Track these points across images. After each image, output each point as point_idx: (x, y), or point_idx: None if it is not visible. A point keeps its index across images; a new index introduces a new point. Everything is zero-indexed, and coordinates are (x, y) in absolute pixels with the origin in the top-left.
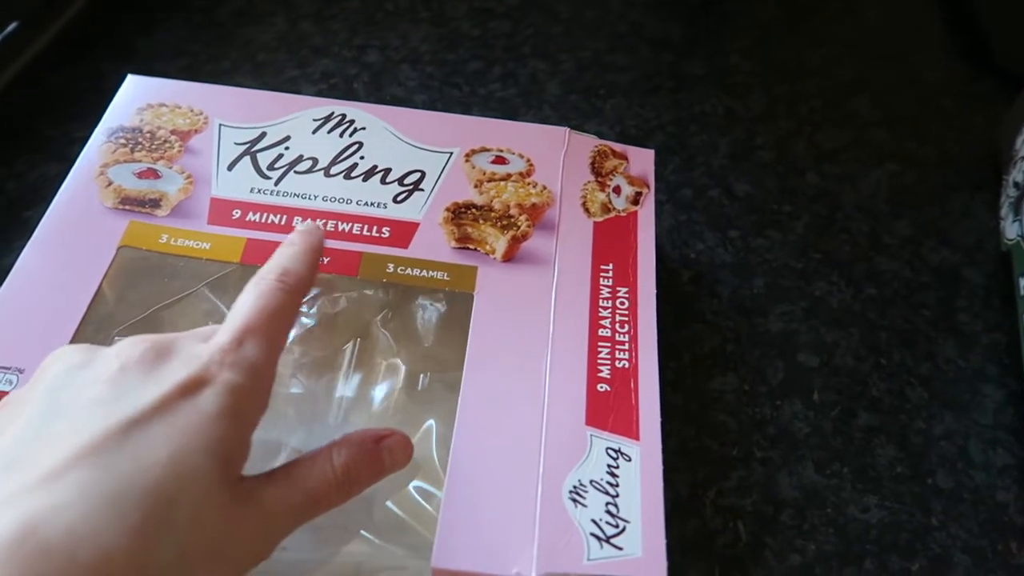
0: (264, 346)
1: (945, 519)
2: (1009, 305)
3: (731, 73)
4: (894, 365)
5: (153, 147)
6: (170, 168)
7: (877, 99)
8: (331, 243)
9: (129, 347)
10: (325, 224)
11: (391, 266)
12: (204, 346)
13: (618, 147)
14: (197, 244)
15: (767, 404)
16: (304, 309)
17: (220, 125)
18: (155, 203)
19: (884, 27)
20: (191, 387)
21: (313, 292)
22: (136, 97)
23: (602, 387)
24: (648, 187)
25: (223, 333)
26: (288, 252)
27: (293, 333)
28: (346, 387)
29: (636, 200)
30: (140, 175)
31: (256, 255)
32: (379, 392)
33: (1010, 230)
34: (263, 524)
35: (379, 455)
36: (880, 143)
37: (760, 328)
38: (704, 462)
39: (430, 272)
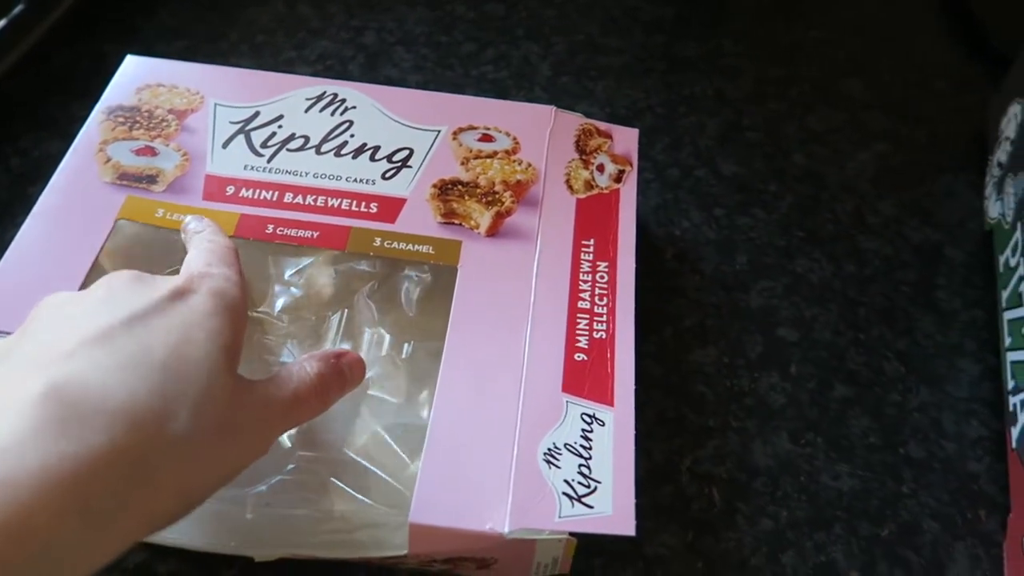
0: (229, 268)
1: (916, 487)
2: (989, 283)
3: (723, 55)
4: (872, 340)
5: (151, 125)
6: (167, 146)
7: (869, 81)
8: (320, 218)
9: (110, 277)
10: (315, 200)
11: (378, 240)
12: (179, 274)
13: (603, 126)
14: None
15: (745, 376)
16: (294, 280)
17: (216, 104)
18: (152, 179)
19: (878, 9)
20: (179, 293)
21: (302, 263)
22: (135, 77)
23: (579, 356)
24: (631, 165)
25: (187, 267)
26: (202, 235)
27: (282, 302)
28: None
29: (619, 178)
30: (138, 152)
31: (249, 230)
32: (365, 360)
33: (993, 209)
34: (261, 414)
35: (341, 368)
36: (870, 124)
37: (741, 303)
38: (681, 431)
39: (416, 246)
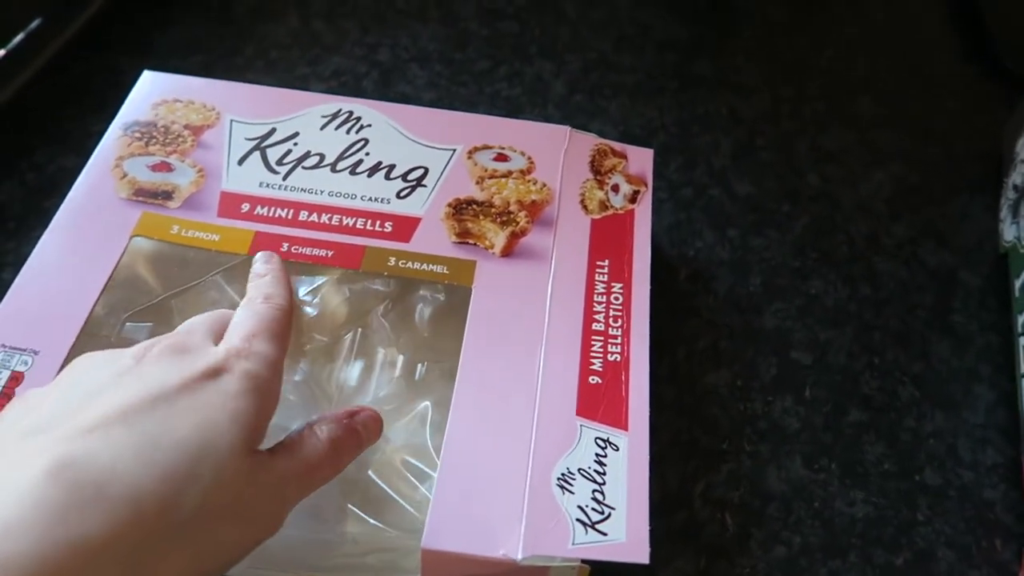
0: (271, 343)
1: (931, 515)
2: (1005, 307)
3: (736, 74)
4: (887, 364)
5: (167, 141)
6: (182, 162)
7: (881, 100)
8: (335, 236)
9: (144, 347)
10: (330, 218)
11: (393, 259)
12: (219, 347)
13: (617, 146)
14: (207, 236)
15: (759, 400)
16: (308, 299)
17: (232, 121)
18: (167, 195)
19: (891, 27)
20: (211, 374)
21: (317, 282)
22: (152, 92)
23: (593, 379)
24: (646, 186)
25: (231, 337)
26: (262, 281)
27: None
28: (346, 375)
29: (634, 199)
30: (154, 168)
31: (264, 247)
32: (378, 380)
33: (1008, 232)
34: (275, 492)
35: (355, 428)
36: (883, 144)
37: (755, 325)
38: (694, 455)
39: (430, 266)
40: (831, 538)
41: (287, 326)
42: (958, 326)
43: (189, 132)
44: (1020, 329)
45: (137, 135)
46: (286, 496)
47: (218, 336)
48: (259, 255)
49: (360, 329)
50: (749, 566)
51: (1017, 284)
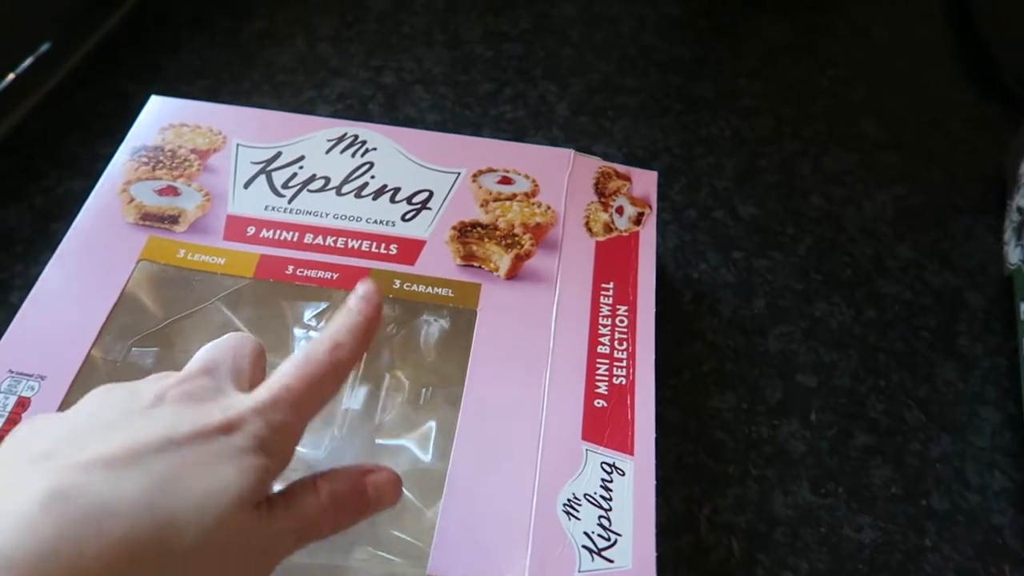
0: (296, 414)
1: (939, 541)
2: (1010, 329)
3: (739, 95)
4: (892, 387)
5: (173, 165)
6: (189, 186)
7: (884, 121)
8: (340, 259)
9: (165, 387)
10: (336, 241)
11: (398, 282)
12: (241, 398)
13: (622, 168)
14: (213, 259)
15: (764, 423)
16: (313, 323)
17: (238, 145)
18: (174, 219)
19: (893, 48)
20: (225, 428)
21: (322, 307)
22: (159, 117)
23: (599, 403)
24: (651, 208)
25: (263, 391)
26: (345, 323)
27: (301, 346)
28: (352, 399)
29: (638, 220)
30: (160, 192)
31: (269, 271)
32: (383, 405)
33: (1013, 255)
34: (268, 544)
35: (364, 488)
36: (886, 165)
37: (760, 348)
38: (700, 479)
39: (435, 288)
40: (838, 564)
41: (333, 386)
42: (963, 349)
43: (196, 156)
44: None
45: (144, 159)
46: (278, 550)
47: (242, 376)
48: (363, 283)
49: (365, 354)
50: None
51: (1022, 307)
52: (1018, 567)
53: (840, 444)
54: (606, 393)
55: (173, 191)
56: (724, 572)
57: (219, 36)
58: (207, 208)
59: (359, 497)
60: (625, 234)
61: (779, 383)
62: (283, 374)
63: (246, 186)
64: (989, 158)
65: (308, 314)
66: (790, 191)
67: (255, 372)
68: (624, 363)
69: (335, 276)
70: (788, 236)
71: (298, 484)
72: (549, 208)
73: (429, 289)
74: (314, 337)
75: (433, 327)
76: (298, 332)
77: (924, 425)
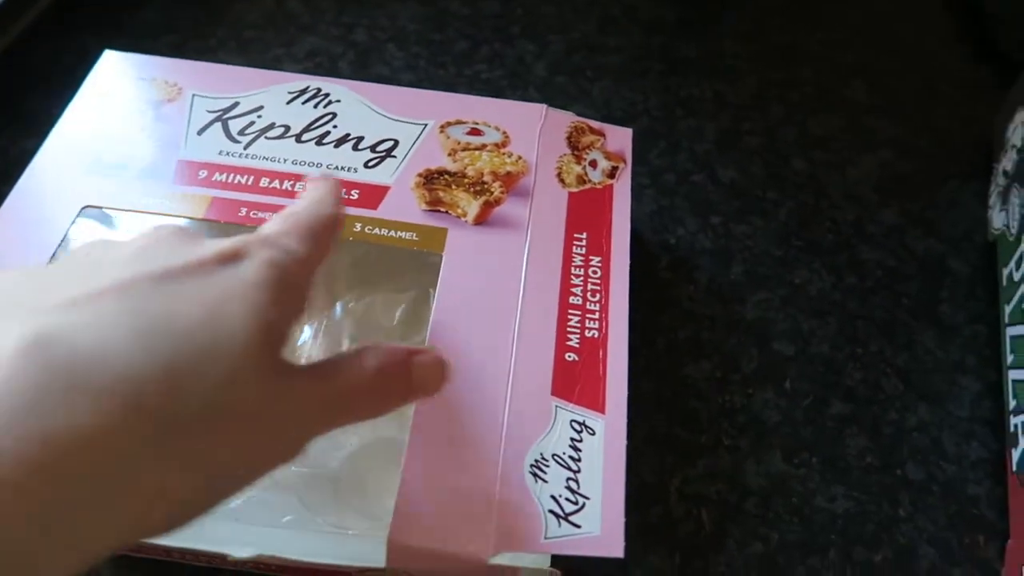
0: (305, 242)
1: (913, 511)
2: (993, 297)
3: (724, 57)
4: (871, 355)
5: (124, 115)
6: (140, 133)
7: (874, 85)
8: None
9: (158, 228)
10: (293, 185)
11: (359, 226)
12: (245, 235)
13: (596, 124)
14: (162, 202)
15: (739, 392)
16: None
17: (193, 95)
18: (123, 166)
19: (885, 11)
20: (228, 256)
21: None
22: (113, 72)
23: (570, 356)
24: (625, 163)
25: (259, 231)
26: (312, 189)
27: None
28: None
29: (612, 174)
30: (111, 141)
31: (221, 212)
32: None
33: (997, 220)
34: (296, 410)
35: (408, 368)
36: (873, 130)
37: (736, 315)
38: (672, 449)
39: (398, 232)
40: (810, 535)
41: (330, 232)
42: (945, 316)
43: (148, 107)
44: (1007, 319)
45: (94, 112)
46: (309, 421)
47: None
48: (311, 177)
49: (324, 320)
50: (725, 563)
51: (1005, 273)
52: (993, 538)
53: (815, 413)
54: (577, 346)
55: (124, 141)
56: (694, 543)
57: None
58: (159, 154)
59: (403, 376)
60: (599, 187)
61: (755, 351)
62: (270, 224)
63: (200, 133)
64: (981, 124)
65: None
66: (773, 155)
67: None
68: (596, 315)
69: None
70: (769, 201)
71: (336, 356)
72: (520, 158)
73: (392, 233)
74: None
75: (396, 299)
76: None
77: (902, 394)
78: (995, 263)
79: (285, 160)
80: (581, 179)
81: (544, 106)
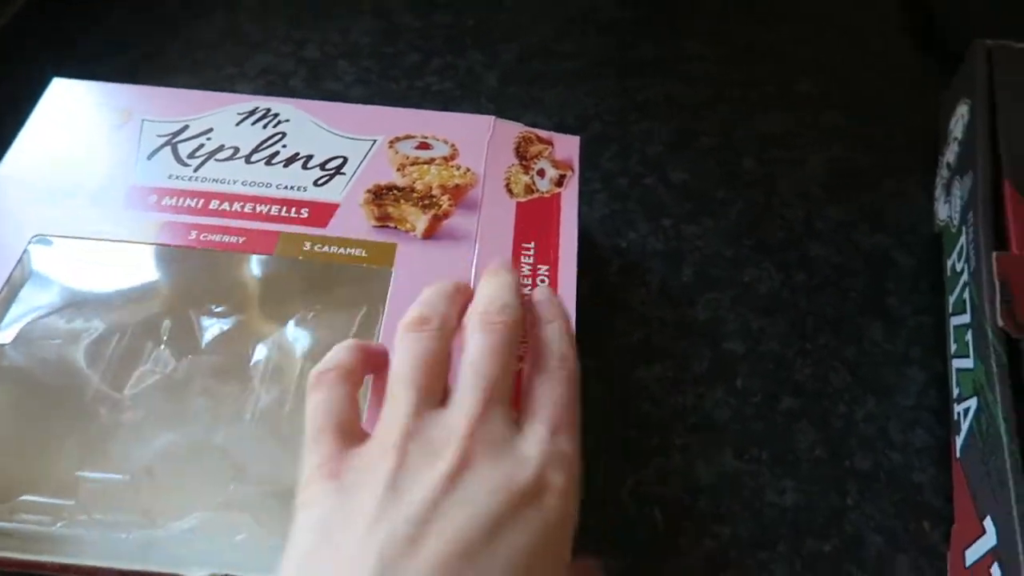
0: (573, 440)
1: (860, 500)
2: (938, 288)
3: (681, 58)
4: (819, 350)
5: (73, 141)
6: (90, 159)
7: (826, 82)
8: (248, 223)
9: (460, 437)
10: (243, 206)
11: (308, 244)
12: (527, 443)
13: (543, 133)
14: (113, 228)
15: (690, 392)
16: (221, 309)
17: (143, 120)
18: (71, 193)
19: (841, 8)
20: (534, 493)
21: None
22: (63, 100)
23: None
24: (572, 170)
25: (536, 421)
26: (553, 329)
27: (211, 336)
28: (261, 389)
29: (560, 182)
30: (59, 168)
31: (172, 236)
32: (292, 392)
33: (941, 211)
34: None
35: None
36: (824, 127)
37: (687, 317)
38: (624, 452)
39: (347, 249)
40: (761, 529)
41: (576, 397)
42: (892, 309)
43: (98, 133)
44: (951, 309)
45: (46, 140)
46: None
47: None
48: (540, 288)
49: (273, 340)
50: (678, 562)
51: (949, 264)
52: (939, 523)
53: (766, 409)
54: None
55: (72, 167)
56: (647, 544)
57: (138, 11)
58: (108, 179)
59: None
60: (547, 195)
61: (706, 351)
62: (542, 400)
63: (149, 157)
64: (930, 118)
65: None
66: (725, 156)
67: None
68: None
69: (242, 240)
70: (720, 201)
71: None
72: (468, 170)
73: (341, 250)
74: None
75: (342, 322)
76: (206, 322)
77: (850, 387)
78: (940, 254)
79: (235, 182)
80: (529, 188)
81: (492, 118)
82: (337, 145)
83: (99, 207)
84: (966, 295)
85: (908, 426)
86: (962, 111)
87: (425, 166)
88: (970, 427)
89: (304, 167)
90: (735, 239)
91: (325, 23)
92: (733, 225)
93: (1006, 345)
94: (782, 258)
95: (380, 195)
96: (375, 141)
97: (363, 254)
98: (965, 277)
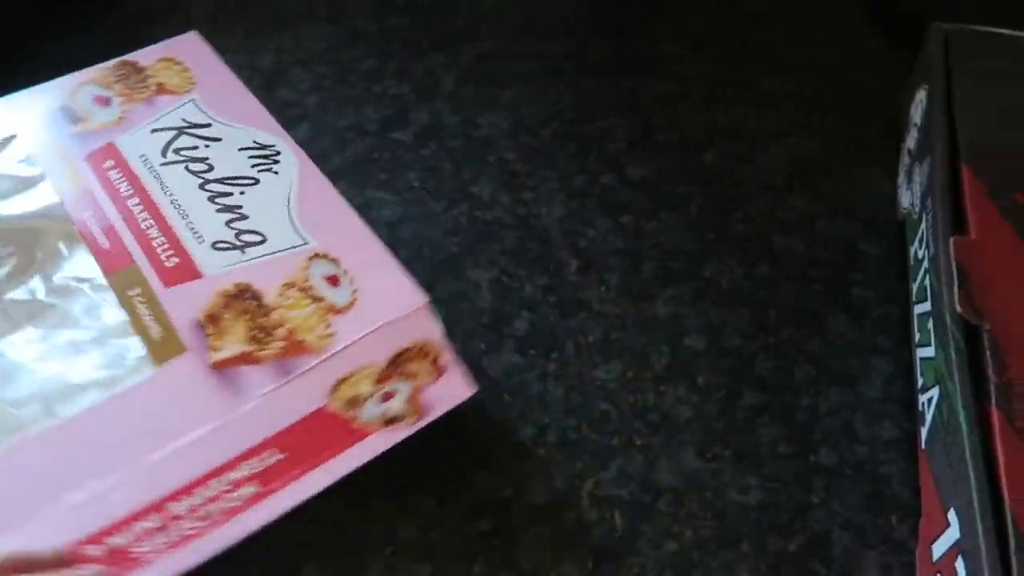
0: None
1: (826, 496)
2: (903, 276)
3: (639, 55)
4: (783, 343)
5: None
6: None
7: (789, 71)
8: (127, 235)
9: None
10: (144, 217)
11: (138, 290)
12: None
13: (444, 358)
14: None
15: (650, 391)
16: None
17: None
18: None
19: None
20: None
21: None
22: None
23: None
24: (421, 420)
25: None
26: None
27: None
28: None
29: (390, 423)
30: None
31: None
32: None
33: (904, 199)
34: None
35: None
36: (788, 117)
37: (648, 314)
38: (582, 454)
39: (151, 322)
40: (724, 529)
41: None
42: (856, 299)
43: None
44: (915, 297)
45: None
46: None
47: None
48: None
49: None
50: (638, 565)
51: (911, 251)
52: (906, 517)
53: (728, 406)
54: None
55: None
56: (607, 547)
57: (90, 19)
58: None
59: None
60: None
61: (666, 348)
62: None
63: None
64: (891, 103)
65: None
66: (685, 150)
67: None
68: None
69: (105, 245)
70: (680, 196)
71: None
72: (333, 336)
73: (147, 316)
74: None
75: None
76: None
77: (814, 380)
78: (904, 242)
79: (167, 189)
80: (354, 403)
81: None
82: (281, 226)
83: None
84: (927, 282)
85: (874, 418)
86: (920, 96)
87: (308, 302)
88: (933, 417)
89: (228, 222)
90: (697, 233)
91: (279, 30)
92: (694, 220)
93: (964, 331)
94: (744, 251)
95: (240, 295)
96: (307, 243)
97: (153, 334)
98: (926, 264)
